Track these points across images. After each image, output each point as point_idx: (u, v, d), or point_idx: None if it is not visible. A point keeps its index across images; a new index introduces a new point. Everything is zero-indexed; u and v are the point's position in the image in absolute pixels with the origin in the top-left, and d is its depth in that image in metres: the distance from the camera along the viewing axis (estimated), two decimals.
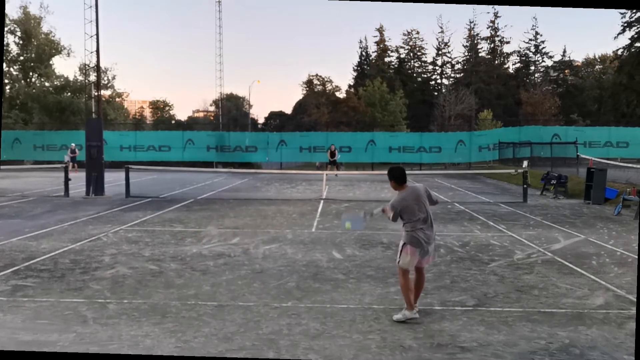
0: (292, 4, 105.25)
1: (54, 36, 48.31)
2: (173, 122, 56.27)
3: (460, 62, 65.99)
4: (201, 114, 68.75)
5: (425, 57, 66.45)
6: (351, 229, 6.48)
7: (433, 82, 67.39)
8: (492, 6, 61.25)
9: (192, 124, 55.89)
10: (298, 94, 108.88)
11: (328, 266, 8.27)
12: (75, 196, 17.58)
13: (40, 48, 46.71)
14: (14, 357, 3.50)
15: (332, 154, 28.61)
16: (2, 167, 26.93)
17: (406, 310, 5.88)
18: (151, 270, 7.97)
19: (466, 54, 65.37)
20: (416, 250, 6.03)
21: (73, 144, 31.19)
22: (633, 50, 51.12)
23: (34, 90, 45.76)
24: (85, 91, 38.48)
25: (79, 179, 20.06)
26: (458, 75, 65.59)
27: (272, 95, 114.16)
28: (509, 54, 65.50)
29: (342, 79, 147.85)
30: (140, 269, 8.00)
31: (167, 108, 59.86)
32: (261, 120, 61.34)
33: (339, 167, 29.08)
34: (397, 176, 6.28)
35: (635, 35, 50.73)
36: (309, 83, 56.20)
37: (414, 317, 5.83)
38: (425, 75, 67.28)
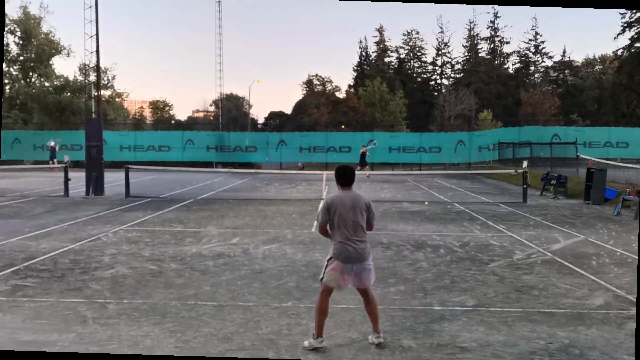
0: (292, 4, 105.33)
1: (53, 36, 48.39)
2: (173, 122, 56.30)
3: (460, 62, 66.13)
4: (201, 114, 68.77)
5: (425, 57, 66.63)
6: None
7: (433, 82, 67.50)
8: (492, 6, 61.32)
9: (192, 124, 55.94)
10: (298, 94, 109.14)
11: None
12: (75, 196, 17.57)
13: (40, 48, 46.71)
14: (14, 357, 3.50)
15: (363, 155, 28.20)
16: (2, 167, 26.92)
17: (312, 338, 5.07)
18: (151, 270, 7.97)
19: (466, 54, 65.45)
20: (345, 267, 5.07)
21: (52, 142, 31.53)
22: (633, 50, 51.15)
23: (33, 90, 45.75)
24: (85, 91, 38.49)
25: (78, 179, 20.05)
26: (458, 76, 65.66)
27: (272, 95, 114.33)
28: (508, 54, 65.68)
29: (342, 79, 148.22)
30: (140, 269, 8.00)
31: (167, 108, 59.89)
32: (261, 120, 61.45)
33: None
34: (338, 175, 5.33)
35: (635, 36, 50.76)
36: (309, 83, 56.27)
37: (321, 347, 5.01)
38: (425, 76, 67.36)
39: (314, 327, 5.15)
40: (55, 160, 29.90)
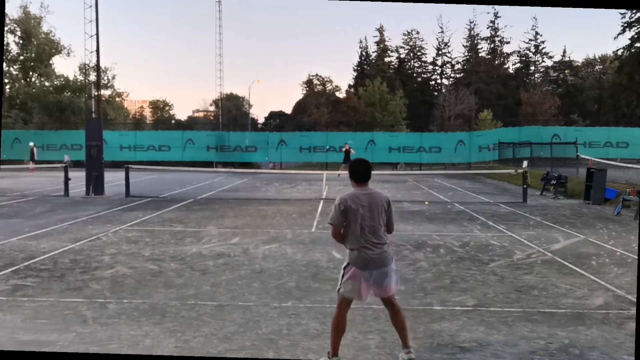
0: (292, 4, 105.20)
1: (54, 36, 48.32)
2: (173, 122, 56.25)
3: (460, 62, 66.06)
4: (201, 114, 68.75)
5: (425, 57, 66.55)
6: None
7: (433, 82, 67.45)
8: (492, 6, 61.29)
9: (192, 123, 55.88)
10: (298, 94, 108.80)
11: (328, 266, 8.27)
12: (75, 196, 17.58)
13: (40, 48, 46.69)
14: (14, 357, 3.50)
15: (347, 153, 28.35)
16: (2, 167, 26.92)
17: (327, 357, 4.66)
18: (151, 270, 7.97)
19: (466, 54, 65.40)
20: (363, 273, 4.57)
21: (31, 143, 31.53)
22: (633, 50, 51.13)
23: (33, 90, 45.73)
24: (85, 91, 38.46)
25: (78, 178, 20.05)
26: (458, 75, 65.61)
27: (272, 95, 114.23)
28: (509, 54, 65.58)
29: (342, 79, 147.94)
30: (140, 269, 8.00)
31: (167, 108, 59.85)
32: (261, 120, 61.39)
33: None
34: (352, 169, 4.78)
35: (635, 36, 50.73)
36: (309, 83, 56.22)
37: None
38: (425, 75, 67.31)
39: (330, 344, 4.66)
40: (32, 162, 29.98)
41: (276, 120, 58.50)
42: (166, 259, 8.64)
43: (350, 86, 62.80)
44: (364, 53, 65.97)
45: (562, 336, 5.43)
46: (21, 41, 47.14)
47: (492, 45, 64.91)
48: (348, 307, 4.67)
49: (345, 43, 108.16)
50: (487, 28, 65.65)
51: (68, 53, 48.46)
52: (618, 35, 52.49)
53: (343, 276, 4.64)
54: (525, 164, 20.78)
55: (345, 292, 4.61)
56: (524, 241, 10.43)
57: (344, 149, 28.59)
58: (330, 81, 56.76)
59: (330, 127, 44.69)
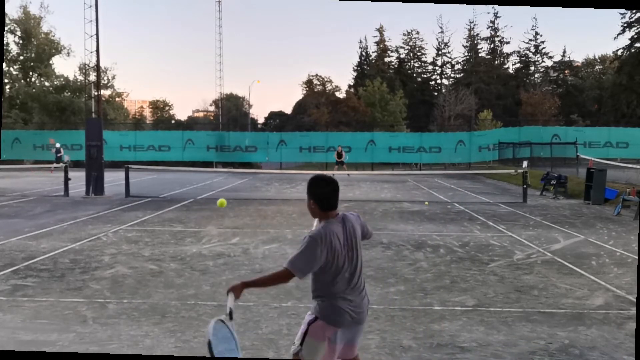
0: (292, 4, 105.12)
1: (53, 36, 48.29)
2: (173, 122, 56.22)
3: (460, 62, 65.97)
4: (201, 114, 68.71)
5: (425, 57, 66.44)
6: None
7: (433, 82, 67.39)
8: (492, 6, 61.22)
9: (192, 124, 55.85)
10: (298, 94, 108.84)
11: None
12: (75, 196, 17.58)
13: (40, 48, 46.69)
14: (14, 357, 3.50)
15: (339, 155, 28.64)
16: (2, 167, 26.91)
17: None
18: (151, 270, 7.97)
19: (466, 54, 65.36)
20: (336, 332, 3.45)
21: (58, 144, 31.17)
22: (633, 50, 51.12)
23: (33, 90, 45.71)
24: (85, 91, 38.45)
25: (78, 178, 20.05)
26: (458, 76, 65.55)
27: (272, 95, 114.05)
28: (508, 54, 65.50)
29: (342, 79, 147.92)
30: (140, 269, 8.00)
31: (167, 108, 59.80)
32: (261, 120, 61.37)
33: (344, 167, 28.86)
34: (322, 195, 3.60)
35: (635, 36, 50.74)
36: (309, 83, 56.20)
37: None
38: (425, 76, 67.24)
39: None
40: (57, 163, 29.73)
41: (276, 120, 58.50)
42: (166, 259, 8.64)
43: (350, 86, 62.77)
44: (364, 53, 65.95)
45: (562, 336, 5.43)
46: (21, 41, 47.13)
47: (492, 46, 64.87)
48: None
49: (345, 43, 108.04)
50: (487, 28, 65.63)
51: (68, 53, 48.46)
52: (618, 35, 52.53)
53: (306, 334, 3.47)
54: (525, 164, 20.80)
55: (306, 356, 3.46)
56: (524, 241, 10.43)
57: (336, 154, 28.62)
58: (330, 81, 56.81)
59: (330, 127, 44.69)
